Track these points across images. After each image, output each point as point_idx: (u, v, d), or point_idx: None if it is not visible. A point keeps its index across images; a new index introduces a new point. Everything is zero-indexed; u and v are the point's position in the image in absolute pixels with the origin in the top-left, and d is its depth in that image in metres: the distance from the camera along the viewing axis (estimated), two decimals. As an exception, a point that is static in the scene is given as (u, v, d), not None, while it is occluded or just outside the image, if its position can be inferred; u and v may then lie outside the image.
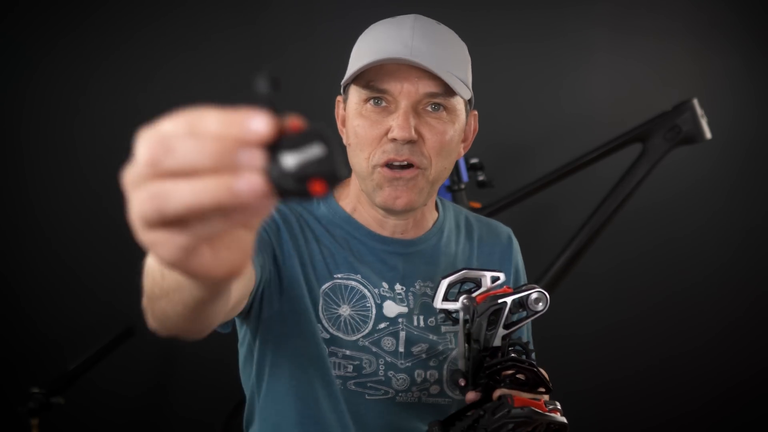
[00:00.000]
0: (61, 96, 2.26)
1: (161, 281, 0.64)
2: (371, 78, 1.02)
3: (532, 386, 0.83)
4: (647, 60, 2.53)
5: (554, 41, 2.51)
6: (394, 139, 1.02)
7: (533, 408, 0.76)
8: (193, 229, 0.39)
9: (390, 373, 1.09)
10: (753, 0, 2.53)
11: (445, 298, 0.96)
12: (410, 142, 1.02)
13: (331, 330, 1.07)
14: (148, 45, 2.28)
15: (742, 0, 2.52)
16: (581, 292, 2.42)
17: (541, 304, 0.86)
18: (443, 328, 1.14)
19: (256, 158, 0.38)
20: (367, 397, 1.08)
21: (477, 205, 2.20)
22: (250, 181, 0.37)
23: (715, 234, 2.56)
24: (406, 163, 1.03)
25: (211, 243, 0.42)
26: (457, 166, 2.15)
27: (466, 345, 0.89)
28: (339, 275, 1.10)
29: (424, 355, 1.10)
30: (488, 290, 0.89)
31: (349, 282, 1.10)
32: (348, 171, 0.42)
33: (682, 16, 2.53)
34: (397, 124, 1.01)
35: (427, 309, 1.12)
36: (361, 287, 1.10)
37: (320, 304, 1.08)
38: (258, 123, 0.38)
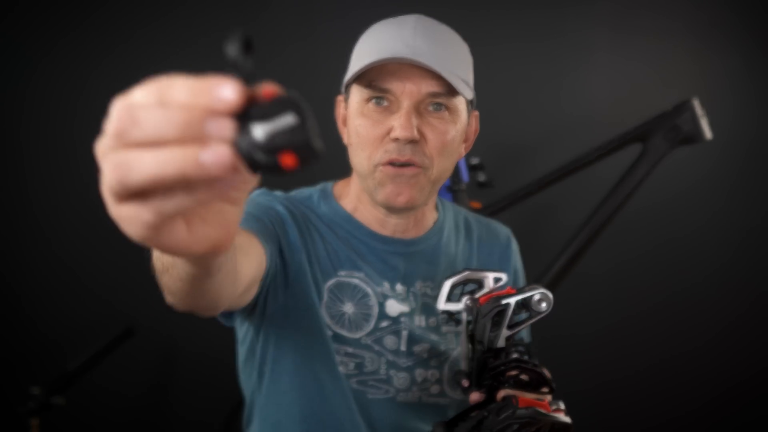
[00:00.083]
0: (61, 96, 2.25)
1: (161, 256, 0.64)
2: (373, 77, 1.02)
3: (535, 387, 0.83)
4: (647, 60, 2.53)
5: (554, 41, 2.51)
6: (396, 139, 1.02)
7: (538, 409, 0.76)
8: (158, 203, 0.38)
9: (391, 372, 1.09)
10: (753, 0, 2.53)
11: (448, 299, 0.96)
12: (412, 141, 1.02)
13: (334, 327, 1.07)
14: (147, 45, 2.28)
15: (742, 0, 2.52)
16: (581, 292, 2.42)
17: (544, 304, 0.86)
18: (444, 329, 1.14)
19: (225, 128, 0.36)
20: (369, 396, 1.08)
21: (477, 205, 2.20)
22: (217, 153, 0.36)
23: (715, 234, 2.56)
24: (408, 162, 1.03)
25: (187, 218, 0.41)
26: (457, 167, 2.15)
27: (470, 346, 0.89)
28: (342, 273, 1.10)
29: (425, 355, 1.10)
30: (491, 291, 0.89)
31: (352, 280, 1.10)
32: (323, 143, 0.39)
33: (682, 16, 2.53)
34: (399, 124, 1.01)
35: (428, 309, 1.13)
36: (364, 285, 1.10)
37: (324, 300, 1.08)
38: (226, 91, 0.36)
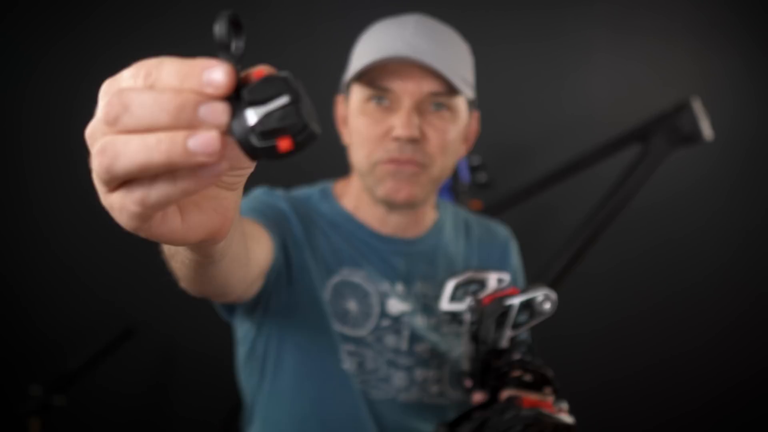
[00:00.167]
0: (60, 96, 2.25)
1: None
2: (374, 77, 1.02)
3: (538, 387, 0.83)
4: (647, 60, 2.53)
5: (554, 41, 2.51)
6: (397, 138, 1.02)
7: (541, 410, 0.76)
8: (143, 193, 0.37)
9: (391, 371, 1.08)
10: (753, 0, 2.53)
11: (451, 299, 0.96)
12: (413, 141, 1.02)
13: (337, 325, 1.07)
14: (146, 44, 2.28)
15: (742, 0, 2.52)
16: (581, 292, 2.42)
17: (549, 305, 0.86)
18: (445, 329, 1.14)
19: (218, 113, 0.35)
20: (371, 396, 1.08)
21: (478, 205, 2.20)
22: (206, 138, 0.35)
23: (715, 234, 2.57)
24: (408, 161, 1.03)
25: (181, 206, 0.40)
26: (459, 167, 2.15)
27: (473, 346, 0.89)
28: (345, 270, 1.10)
29: (426, 355, 1.10)
30: (495, 291, 0.89)
31: (354, 278, 1.10)
32: (320, 127, 0.37)
33: (682, 16, 2.53)
34: (400, 123, 1.01)
35: (429, 309, 1.13)
36: (365, 284, 1.10)
37: (328, 297, 1.08)
38: (217, 73, 0.35)
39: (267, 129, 0.36)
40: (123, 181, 0.37)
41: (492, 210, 2.20)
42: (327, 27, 2.33)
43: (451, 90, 1.03)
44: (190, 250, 0.56)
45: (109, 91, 0.38)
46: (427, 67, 1.00)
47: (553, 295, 0.87)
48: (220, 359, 1.81)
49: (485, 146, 2.03)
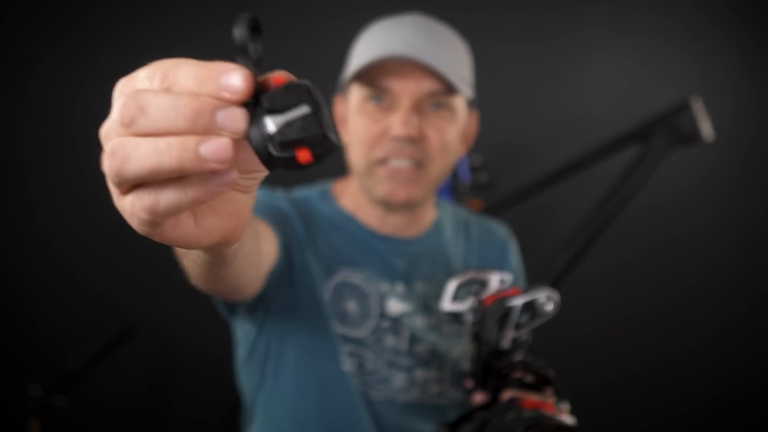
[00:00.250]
0: (60, 95, 2.25)
1: None
2: (373, 76, 1.03)
3: (540, 388, 0.83)
4: (647, 60, 2.53)
5: (554, 41, 2.51)
6: (395, 138, 1.02)
7: (543, 411, 0.76)
8: (151, 198, 0.36)
9: (391, 372, 1.08)
10: (753, 0, 2.53)
11: (453, 300, 0.96)
12: (412, 140, 1.02)
13: (337, 325, 1.07)
14: (146, 44, 2.28)
15: (742, 0, 2.53)
16: (581, 292, 2.42)
17: (551, 305, 0.86)
18: (445, 329, 1.13)
19: (236, 119, 0.34)
20: (371, 397, 1.08)
21: (478, 205, 2.20)
22: (218, 145, 0.34)
23: (715, 234, 2.57)
24: (407, 161, 1.03)
25: (194, 210, 0.39)
26: (459, 167, 2.14)
27: (474, 346, 0.89)
28: (345, 271, 1.10)
29: (426, 355, 1.10)
30: (497, 292, 0.89)
31: (354, 279, 1.10)
32: (339, 138, 0.37)
33: (682, 16, 2.53)
34: (399, 122, 1.01)
35: (429, 309, 1.12)
36: (365, 285, 1.10)
37: (329, 298, 1.08)
38: (234, 78, 0.34)
39: (287, 139, 0.35)
40: (134, 185, 0.36)
41: (492, 210, 2.20)
42: (327, 27, 2.33)
43: (450, 89, 1.03)
44: (203, 250, 0.55)
45: (124, 91, 0.37)
46: (426, 66, 1.00)
47: (556, 296, 0.86)
48: (220, 359, 1.81)
49: (485, 146, 2.03)
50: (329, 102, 1.23)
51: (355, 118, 1.06)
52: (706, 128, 2.01)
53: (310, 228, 1.10)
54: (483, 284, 0.95)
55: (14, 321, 2.26)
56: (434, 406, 1.11)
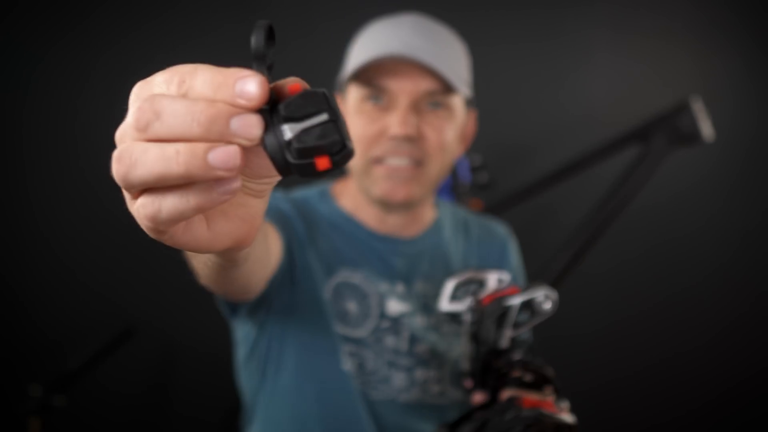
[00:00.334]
0: (61, 95, 2.25)
1: None
2: (371, 76, 1.03)
3: (539, 387, 0.83)
4: (647, 60, 2.53)
5: (554, 41, 2.51)
6: (393, 137, 1.02)
7: (542, 409, 0.76)
8: (156, 208, 0.36)
9: (391, 372, 1.08)
10: (753, 0, 2.53)
11: (451, 299, 0.96)
12: (410, 139, 1.02)
13: (337, 325, 1.07)
14: (146, 44, 2.28)
15: (742, 0, 2.53)
16: (581, 292, 2.42)
17: (549, 304, 0.86)
18: (445, 328, 1.13)
19: (252, 126, 0.34)
20: (371, 397, 1.08)
21: (478, 205, 2.20)
22: (226, 153, 0.34)
23: (715, 234, 2.56)
24: (406, 160, 1.03)
25: (207, 214, 0.40)
26: (459, 167, 2.15)
27: (473, 346, 0.89)
28: (345, 271, 1.10)
29: (426, 355, 1.10)
30: (495, 291, 0.89)
31: (354, 279, 1.10)
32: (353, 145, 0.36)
33: (682, 16, 2.53)
34: (396, 121, 1.01)
35: (429, 309, 1.12)
36: (365, 285, 1.10)
37: (329, 298, 1.08)
38: (250, 85, 0.34)
39: (305, 146, 0.35)
40: (144, 189, 0.36)
41: (492, 210, 2.20)
42: (325, 27, 2.33)
43: (448, 88, 1.03)
44: (215, 254, 0.55)
45: (140, 95, 0.37)
46: (424, 65, 1.01)
47: (554, 294, 0.86)
48: (220, 359, 1.81)
49: (485, 146, 2.03)
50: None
51: (352, 117, 1.06)
52: (706, 128, 2.01)
53: (311, 228, 1.10)
54: (481, 284, 0.95)
55: (14, 321, 2.26)
56: (434, 405, 1.11)
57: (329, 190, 1.19)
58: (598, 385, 2.50)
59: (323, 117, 0.35)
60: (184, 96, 0.35)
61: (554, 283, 2.08)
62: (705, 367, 2.57)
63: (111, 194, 2.23)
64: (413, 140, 1.02)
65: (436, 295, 1.10)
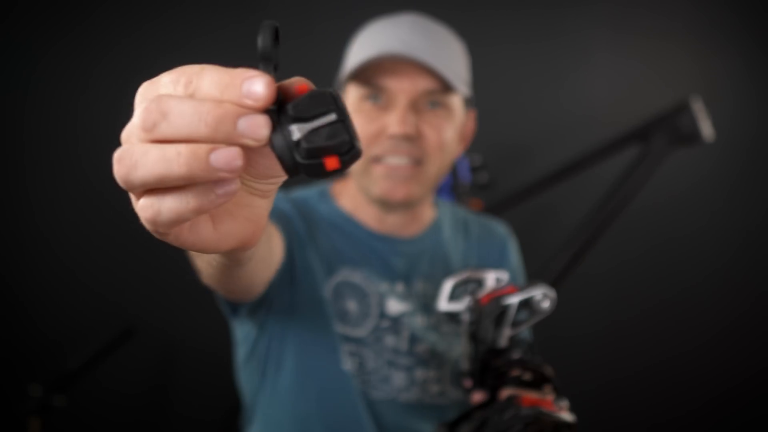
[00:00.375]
0: (61, 95, 2.25)
1: None
2: (369, 75, 1.03)
3: (538, 386, 0.83)
4: (647, 60, 2.53)
5: (554, 41, 2.51)
6: (392, 136, 1.02)
7: (541, 408, 0.76)
8: (156, 211, 0.36)
9: (391, 372, 1.08)
10: (753, 0, 2.53)
11: (449, 299, 0.96)
12: (408, 138, 1.02)
13: (338, 325, 1.07)
14: (146, 43, 2.28)
15: (742, 0, 2.53)
16: (581, 292, 2.42)
17: (547, 302, 0.85)
18: (445, 328, 1.13)
19: (260, 127, 0.34)
20: (371, 396, 1.08)
21: (478, 205, 2.20)
22: (228, 154, 0.34)
23: (715, 234, 2.56)
24: (405, 159, 1.03)
25: (212, 215, 0.39)
26: (459, 167, 2.15)
27: (472, 346, 0.89)
28: (345, 271, 1.10)
29: (426, 355, 1.10)
30: (493, 290, 0.89)
31: (354, 278, 1.10)
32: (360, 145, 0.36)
33: (682, 16, 2.53)
34: (395, 121, 1.01)
35: (429, 308, 1.12)
36: (365, 284, 1.10)
37: (329, 297, 1.08)
38: (257, 85, 0.34)
39: (314, 146, 0.34)
40: (146, 190, 0.36)
41: (492, 210, 2.20)
42: (325, 27, 2.33)
43: (447, 88, 1.03)
44: (219, 253, 0.55)
45: (146, 95, 0.37)
46: (422, 64, 1.01)
47: (552, 293, 0.86)
48: (220, 359, 1.81)
49: (485, 146, 2.03)
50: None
51: (351, 117, 1.06)
52: (706, 128, 2.01)
53: (311, 227, 1.10)
54: (479, 283, 0.95)
55: (14, 321, 2.26)
56: (434, 405, 1.11)
57: (329, 190, 1.19)
58: (598, 385, 2.50)
59: (332, 117, 0.35)
60: (191, 96, 0.35)
61: (554, 283, 2.08)
62: (705, 367, 2.57)
63: (111, 194, 2.23)
64: (412, 139, 1.02)
65: (435, 294, 1.10)
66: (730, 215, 2.57)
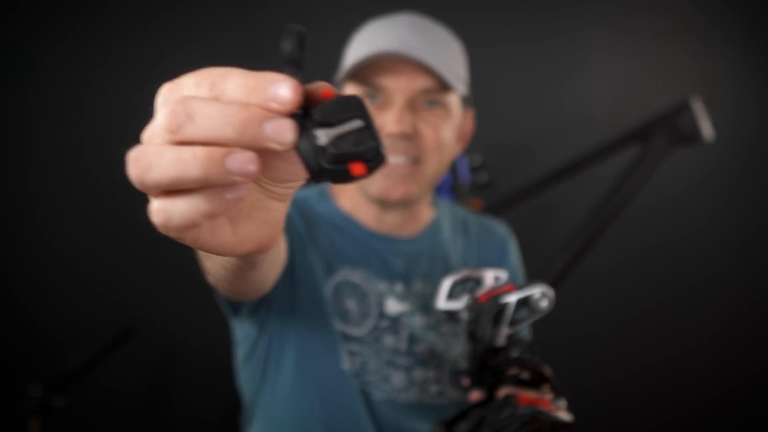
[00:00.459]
0: (63, 96, 2.25)
1: None
2: (367, 74, 1.03)
3: (536, 385, 0.83)
4: (647, 60, 2.53)
5: (554, 41, 2.51)
6: (389, 135, 1.02)
7: (538, 407, 0.76)
8: (167, 215, 0.36)
9: (390, 372, 1.08)
10: (753, 0, 2.53)
11: (448, 298, 0.96)
12: (406, 137, 1.02)
13: (338, 324, 1.07)
14: (146, 43, 2.28)
15: (742, 0, 2.53)
16: (581, 292, 2.42)
17: (546, 301, 0.85)
18: (443, 328, 1.13)
19: (286, 131, 0.34)
20: (371, 396, 1.08)
21: (478, 205, 2.20)
22: (244, 158, 0.34)
23: (715, 234, 2.56)
24: (403, 158, 1.03)
25: (232, 218, 0.39)
26: (459, 167, 2.15)
27: (470, 344, 0.89)
28: (345, 270, 1.10)
29: (425, 355, 1.10)
30: (492, 289, 0.89)
31: (354, 278, 1.10)
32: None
33: (682, 16, 2.53)
34: (392, 119, 1.01)
35: (428, 308, 1.12)
36: (364, 284, 1.10)
37: (329, 297, 1.08)
38: (283, 89, 0.34)
39: (340, 152, 0.34)
40: (162, 192, 0.36)
41: (492, 210, 2.20)
42: (324, 26, 2.33)
43: (444, 86, 1.03)
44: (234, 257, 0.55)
45: (170, 96, 0.36)
46: (419, 63, 1.01)
47: (550, 292, 0.86)
48: (220, 359, 1.81)
49: (485, 146, 2.03)
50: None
51: None
52: (706, 128, 2.01)
53: (311, 227, 1.10)
54: (478, 282, 0.95)
55: (14, 321, 2.26)
56: (434, 405, 1.11)
57: (327, 189, 1.19)
58: (598, 385, 2.49)
59: (358, 123, 0.35)
60: (216, 99, 0.35)
61: (554, 283, 2.07)
62: (705, 367, 2.57)
63: (111, 194, 2.23)
64: (409, 138, 1.02)
65: (434, 294, 1.10)
66: (730, 215, 2.57)
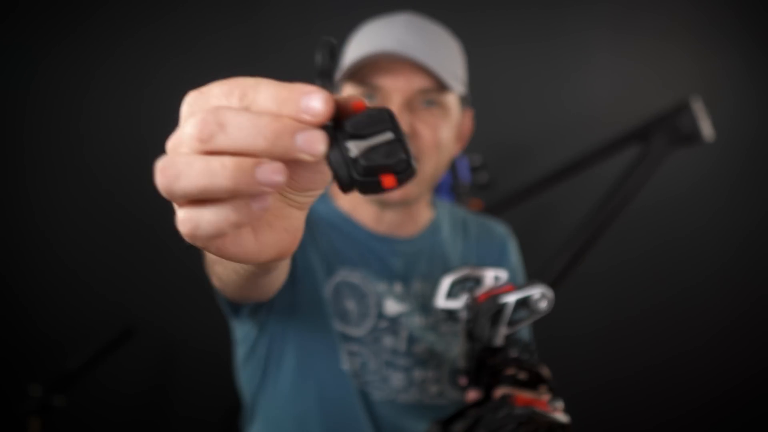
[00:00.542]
0: (63, 96, 2.25)
1: None
2: (365, 74, 1.03)
3: (533, 385, 0.83)
4: (647, 60, 2.53)
5: (554, 41, 2.51)
6: None
7: (535, 408, 0.76)
8: (195, 224, 0.36)
9: (389, 372, 1.08)
10: (753, 0, 2.53)
11: (447, 297, 0.96)
12: None
13: (337, 325, 1.07)
14: (146, 43, 2.28)
15: (742, 0, 2.52)
16: (581, 292, 2.42)
17: (544, 302, 0.85)
18: (443, 328, 1.13)
19: (316, 142, 0.34)
20: (370, 397, 1.08)
21: (478, 205, 2.20)
22: (274, 169, 0.34)
23: (715, 234, 2.56)
24: None
25: (254, 226, 0.39)
26: (459, 167, 2.15)
27: (468, 344, 0.89)
28: (344, 270, 1.10)
29: (424, 356, 1.10)
30: (491, 288, 0.88)
31: (353, 278, 1.10)
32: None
33: (682, 16, 2.53)
34: None
35: (427, 309, 1.12)
36: (363, 285, 1.10)
37: (329, 298, 1.08)
38: (315, 101, 0.34)
39: (372, 164, 0.35)
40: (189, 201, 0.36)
41: (492, 210, 2.20)
42: (323, 26, 2.33)
43: (442, 86, 1.03)
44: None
45: (197, 105, 0.36)
46: (417, 63, 1.01)
47: (550, 292, 0.86)
48: (220, 359, 1.81)
49: (485, 146, 2.03)
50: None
51: None
52: (706, 128, 2.01)
53: (311, 228, 1.10)
54: (477, 281, 0.94)
55: (14, 321, 2.26)
56: (433, 406, 1.11)
57: (327, 190, 1.19)
58: (598, 385, 2.49)
59: (389, 135, 0.35)
60: (247, 109, 0.35)
61: (554, 283, 2.07)
62: (705, 367, 2.57)
63: (111, 194, 2.23)
64: (408, 138, 1.02)
65: (434, 294, 1.10)
66: (730, 215, 2.56)
